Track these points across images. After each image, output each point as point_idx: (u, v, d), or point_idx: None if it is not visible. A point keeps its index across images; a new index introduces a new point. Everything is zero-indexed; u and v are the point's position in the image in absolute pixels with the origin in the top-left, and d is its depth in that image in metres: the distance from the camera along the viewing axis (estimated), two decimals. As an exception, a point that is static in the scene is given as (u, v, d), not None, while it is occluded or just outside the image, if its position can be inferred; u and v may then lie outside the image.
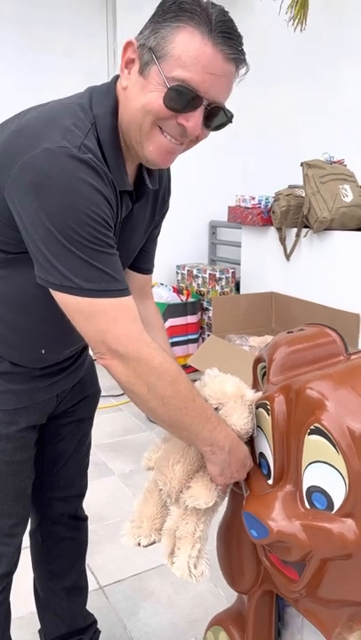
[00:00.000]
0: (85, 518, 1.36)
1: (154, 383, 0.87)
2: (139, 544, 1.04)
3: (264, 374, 1.09)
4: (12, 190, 0.82)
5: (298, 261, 3.19)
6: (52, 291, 0.85)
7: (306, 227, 3.06)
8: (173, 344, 3.55)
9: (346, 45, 4.33)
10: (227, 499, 1.12)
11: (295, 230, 3.12)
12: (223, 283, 3.74)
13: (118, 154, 0.91)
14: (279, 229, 3.21)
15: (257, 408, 0.98)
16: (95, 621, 1.39)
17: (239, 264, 3.77)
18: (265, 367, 1.07)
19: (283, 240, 3.20)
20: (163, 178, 1.09)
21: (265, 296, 3.40)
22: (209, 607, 1.60)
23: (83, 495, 1.34)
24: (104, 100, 0.91)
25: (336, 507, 0.83)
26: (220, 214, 4.01)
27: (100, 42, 3.73)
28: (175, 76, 0.83)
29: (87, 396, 1.24)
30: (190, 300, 3.71)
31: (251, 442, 1.01)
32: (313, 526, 0.85)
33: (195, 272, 3.86)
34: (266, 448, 0.96)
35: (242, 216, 3.49)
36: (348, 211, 2.84)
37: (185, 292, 3.79)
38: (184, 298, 3.75)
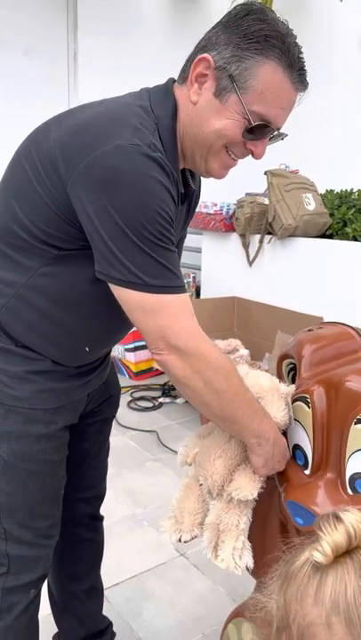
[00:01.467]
0: (102, 519, 1.35)
1: (210, 377, 0.89)
2: (180, 540, 1.05)
3: (290, 370, 1.14)
4: (78, 185, 0.83)
5: (260, 267, 3.29)
6: (112, 286, 0.86)
7: (269, 233, 3.17)
8: (138, 348, 3.56)
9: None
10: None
11: (258, 237, 3.22)
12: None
13: (177, 156, 0.94)
14: (243, 235, 3.30)
15: (294, 402, 1.02)
16: (111, 623, 1.39)
17: (199, 269, 3.84)
18: (291, 363, 1.12)
19: (246, 246, 3.29)
20: (199, 180, 1.12)
21: (227, 300, 3.48)
22: (210, 604, 1.63)
23: (103, 496, 1.33)
24: (163, 102, 0.94)
25: (381, 491, 0.89)
26: (178, 220, 4.07)
27: (61, 43, 3.70)
28: (256, 110, 0.88)
29: (111, 395, 1.24)
30: (152, 304, 3.73)
31: (284, 434, 1.05)
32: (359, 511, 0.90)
33: (155, 277, 3.87)
34: (303, 439, 1.00)
35: (204, 222, 3.56)
36: (311, 218, 2.97)
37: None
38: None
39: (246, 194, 3.49)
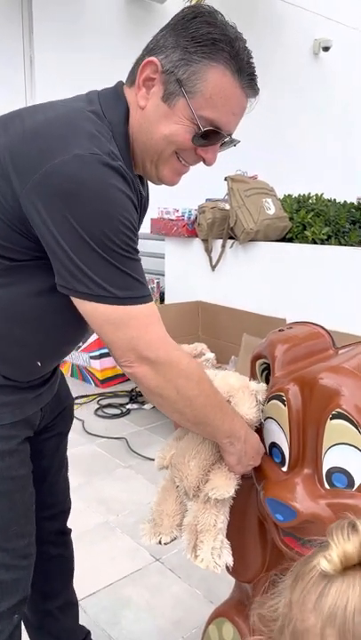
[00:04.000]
0: (70, 532, 1.31)
1: (182, 385, 0.89)
2: (160, 542, 1.05)
3: (263, 370, 1.16)
4: (34, 195, 0.79)
5: (223, 271, 3.33)
6: (77, 300, 0.84)
7: (231, 238, 3.22)
8: (103, 355, 3.53)
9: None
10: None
11: (220, 241, 3.26)
12: (148, 293, 3.79)
13: (132, 162, 0.94)
14: (205, 240, 3.34)
15: (269, 400, 1.04)
16: (89, 632, 1.36)
17: (162, 275, 3.85)
18: (264, 363, 1.14)
19: (209, 251, 3.33)
20: (147, 185, 1.10)
21: (192, 305, 3.50)
22: (188, 607, 1.63)
23: (69, 510, 1.30)
24: (114, 106, 0.91)
25: (357, 484, 0.92)
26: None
27: (16, 47, 3.66)
28: (205, 115, 0.87)
29: (64, 408, 1.21)
30: (116, 311, 3.71)
31: (259, 432, 1.07)
32: (338, 504, 0.93)
33: (119, 283, 3.86)
34: (280, 437, 1.03)
35: (166, 228, 3.58)
36: (272, 222, 3.03)
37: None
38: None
39: (207, 199, 3.53)
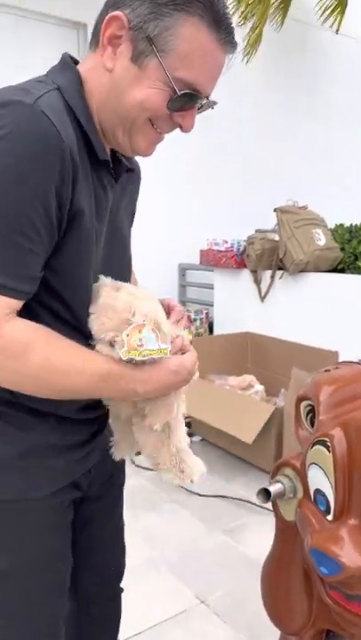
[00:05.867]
0: (122, 591, 1.20)
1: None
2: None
3: (308, 412, 1.13)
4: None
5: (273, 302, 3.30)
6: None
7: (280, 269, 3.19)
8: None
9: (300, 99, 4.64)
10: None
11: (269, 272, 3.24)
12: (198, 323, 3.80)
13: (92, 122, 0.83)
14: (254, 272, 3.32)
15: (313, 445, 1.01)
16: None
17: (210, 305, 3.85)
18: (309, 405, 1.11)
19: (258, 282, 3.31)
20: (134, 162, 1.02)
21: (240, 336, 3.47)
22: (233, 655, 1.57)
23: (123, 573, 1.18)
24: (62, 71, 0.83)
25: None
26: (188, 257, 4.11)
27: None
28: (180, 77, 0.77)
29: (111, 475, 1.10)
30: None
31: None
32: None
33: (168, 314, 3.90)
34: (324, 484, 0.98)
35: (215, 259, 3.59)
36: (322, 253, 2.99)
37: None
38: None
39: (256, 230, 3.53)
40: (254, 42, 3.17)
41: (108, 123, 0.84)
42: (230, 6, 3.09)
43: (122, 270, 0.98)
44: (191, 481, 0.95)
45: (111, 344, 0.82)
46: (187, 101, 0.81)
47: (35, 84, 0.77)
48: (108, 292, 0.85)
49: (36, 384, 0.78)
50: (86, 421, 0.95)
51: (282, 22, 3.26)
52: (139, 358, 0.79)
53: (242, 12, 3.06)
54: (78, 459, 0.94)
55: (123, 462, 1.15)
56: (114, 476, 1.10)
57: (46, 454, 0.89)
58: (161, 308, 0.86)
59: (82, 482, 0.98)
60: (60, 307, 0.83)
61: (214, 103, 0.86)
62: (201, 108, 0.86)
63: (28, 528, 0.88)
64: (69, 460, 0.92)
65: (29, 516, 0.88)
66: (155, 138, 0.86)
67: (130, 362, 0.81)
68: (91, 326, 0.85)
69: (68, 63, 0.84)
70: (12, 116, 0.70)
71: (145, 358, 0.80)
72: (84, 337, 0.85)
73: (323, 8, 3.91)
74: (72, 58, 0.86)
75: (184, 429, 0.96)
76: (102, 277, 0.89)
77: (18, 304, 0.76)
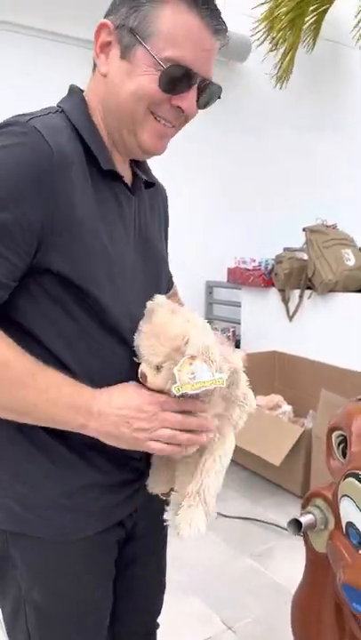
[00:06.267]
0: (158, 627, 1.18)
1: None
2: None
3: (340, 442, 1.12)
4: None
5: (301, 321, 3.27)
6: None
7: (308, 288, 3.17)
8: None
9: (330, 117, 4.64)
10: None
11: (298, 292, 3.23)
12: (225, 342, 3.79)
13: (96, 134, 0.85)
14: (282, 291, 3.31)
15: (345, 478, 0.99)
16: None
17: (237, 323, 3.85)
18: (341, 435, 1.10)
19: (286, 301, 3.30)
20: (153, 177, 1.02)
21: (268, 355, 3.45)
22: None
23: (160, 611, 1.16)
24: (68, 97, 0.87)
25: None
26: (215, 274, 4.12)
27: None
28: (168, 56, 0.78)
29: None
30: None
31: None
32: None
33: (195, 332, 3.90)
34: (357, 518, 0.97)
35: (242, 277, 3.60)
36: (351, 274, 2.96)
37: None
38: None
39: (284, 249, 3.53)
40: (287, 67, 3.18)
41: (114, 128, 0.86)
42: (261, 33, 3.11)
43: (157, 282, 0.98)
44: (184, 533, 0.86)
45: (158, 368, 0.81)
46: (180, 80, 0.80)
47: (39, 110, 0.82)
48: (163, 314, 0.84)
49: None
50: (132, 460, 0.92)
51: (313, 44, 3.26)
52: (191, 392, 0.77)
53: (273, 38, 3.07)
54: (123, 499, 0.92)
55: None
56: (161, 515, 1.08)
57: (92, 494, 0.87)
58: (215, 338, 0.83)
59: (127, 521, 0.96)
60: (92, 307, 0.81)
61: (217, 86, 0.86)
62: (203, 91, 0.84)
63: (69, 568, 0.87)
64: (115, 499, 0.90)
65: (72, 556, 0.87)
66: (160, 130, 0.85)
67: (183, 397, 0.78)
68: (138, 343, 0.84)
69: (74, 90, 0.89)
70: (6, 134, 0.75)
71: (198, 391, 0.77)
72: (122, 340, 0.84)
73: (358, 27, 3.88)
74: (78, 87, 0.90)
75: (219, 478, 0.90)
76: (158, 297, 0.88)
77: None
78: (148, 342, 0.82)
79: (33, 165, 0.74)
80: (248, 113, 4.21)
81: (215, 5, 0.81)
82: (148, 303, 0.87)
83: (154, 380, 0.81)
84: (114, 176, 0.86)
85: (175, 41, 0.78)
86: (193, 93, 0.82)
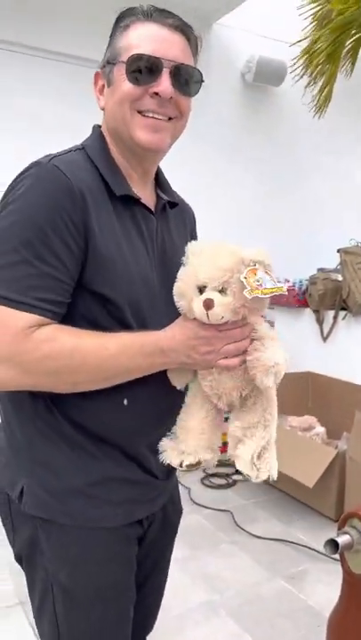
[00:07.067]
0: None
1: (55, 368, 0.83)
2: (181, 465, 0.94)
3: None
4: None
5: (335, 342, 3.26)
6: None
7: (343, 309, 3.17)
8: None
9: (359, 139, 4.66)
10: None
11: (332, 312, 3.22)
12: (257, 362, 3.80)
13: (112, 163, 0.95)
14: (316, 311, 3.31)
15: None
16: None
17: (271, 343, 3.84)
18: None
19: (320, 322, 3.30)
20: (177, 197, 1.10)
21: (301, 376, 3.44)
22: None
23: (150, 629, 1.19)
24: (91, 136, 0.99)
25: None
26: (249, 294, 4.13)
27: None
28: (130, 54, 0.89)
29: (171, 524, 1.14)
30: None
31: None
32: None
33: (228, 351, 3.91)
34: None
35: (276, 297, 3.59)
36: (387, 295, 2.95)
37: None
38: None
39: (318, 269, 3.53)
40: (324, 100, 3.22)
41: (121, 145, 0.95)
42: (299, 69, 3.14)
43: None
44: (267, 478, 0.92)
45: (221, 291, 0.86)
46: (144, 68, 0.88)
47: (63, 150, 0.93)
48: (207, 247, 0.91)
49: (72, 368, 0.84)
50: (156, 459, 0.97)
51: (352, 70, 3.28)
52: (262, 296, 0.84)
53: (311, 73, 3.11)
54: (143, 498, 0.98)
55: (180, 509, 1.17)
56: (171, 519, 1.12)
57: (112, 485, 0.93)
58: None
59: (144, 521, 1.01)
60: (125, 315, 0.89)
61: (192, 67, 0.92)
62: (175, 74, 0.90)
63: (91, 555, 0.93)
64: (135, 495, 0.96)
65: (93, 544, 0.93)
66: (150, 123, 0.91)
67: (254, 301, 0.85)
68: (194, 273, 0.89)
69: (94, 128, 1.00)
70: (32, 175, 0.85)
71: (267, 296, 0.85)
72: None
73: None
74: (98, 125, 1.01)
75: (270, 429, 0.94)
76: (192, 243, 0.95)
77: (41, 320, 0.82)
78: (204, 272, 0.88)
79: (58, 195, 0.83)
80: (282, 134, 4.25)
81: (167, 11, 0.92)
82: (187, 248, 0.93)
83: (222, 300, 0.85)
84: (130, 199, 0.94)
85: (136, 45, 0.89)
86: (165, 77, 0.89)
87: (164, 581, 1.19)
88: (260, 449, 0.90)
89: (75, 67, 3.28)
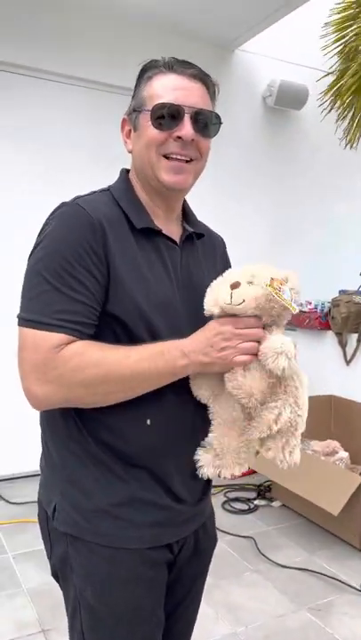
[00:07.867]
0: None
1: (86, 380, 0.88)
2: (218, 475, 1.00)
3: None
4: None
5: (358, 366, 3.23)
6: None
7: (366, 332, 3.14)
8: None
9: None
10: None
11: (355, 336, 3.19)
12: (279, 384, 3.77)
13: (135, 201, 1.03)
14: (339, 334, 3.28)
15: None
16: None
17: (292, 365, 3.81)
18: None
19: (343, 345, 3.27)
20: (210, 233, 1.19)
21: (324, 399, 3.40)
22: None
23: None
24: (118, 178, 1.08)
25: None
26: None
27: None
28: (154, 103, 0.97)
29: (204, 549, 1.13)
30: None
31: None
32: None
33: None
34: None
35: (298, 319, 3.59)
36: None
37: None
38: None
39: (340, 291, 3.51)
40: (355, 133, 3.23)
41: (148, 187, 1.03)
42: (326, 104, 3.17)
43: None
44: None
45: (249, 283, 0.93)
46: (167, 114, 0.96)
47: (89, 192, 1.03)
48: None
49: (100, 378, 0.89)
50: (184, 482, 1.00)
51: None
52: (275, 297, 0.90)
53: (339, 107, 3.13)
54: (169, 522, 0.99)
55: (214, 537, 1.17)
56: (203, 546, 1.12)
57: (137, 506, 0.96)
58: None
59: (174, 546, 1.02)
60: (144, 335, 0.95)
61: (210, 111, 1.00)
62: (196, 119, 0.98)
63: (117, 575, 0.94)
64: (161, 519, 0.98)
65: (119, 564, 0.94)
66: (174, 166, 0.99)
67: (268, 298, 0.91)
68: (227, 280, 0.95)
69: (121, 172, 1.09)
70: (58, 216, 0.95)
71: (279, 300, 0.91)
72: None
73: None
74: (125, 169, 1.10)
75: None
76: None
77: (69, 339, 0.89)
78: (237, 274, 0.95)
79: (80, 229, 0.92)
80: (303, 156, 4.27)
81: (187, 62, 1.00)
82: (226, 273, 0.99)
83: (247, 289, 0.92)
84: (151, 232, 1.01)
85: (159, 95, 0.97)
86: (187, 122, 0.97)
87: (196, 611, 1.19)
88: (287, 435, 0.95)
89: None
